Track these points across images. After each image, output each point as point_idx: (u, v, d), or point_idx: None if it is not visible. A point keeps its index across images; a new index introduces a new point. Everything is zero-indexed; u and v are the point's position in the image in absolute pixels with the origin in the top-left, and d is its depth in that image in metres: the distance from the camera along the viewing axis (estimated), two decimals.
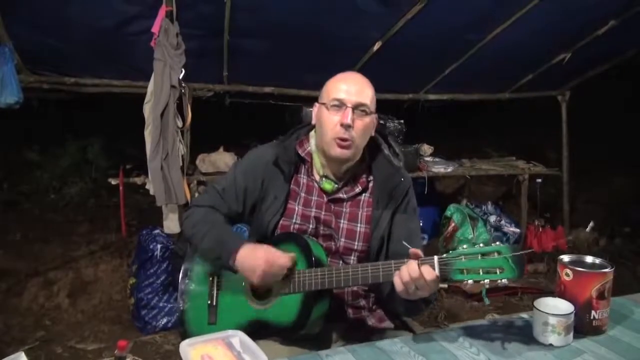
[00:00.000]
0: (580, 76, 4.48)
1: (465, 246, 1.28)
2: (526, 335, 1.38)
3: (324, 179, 1.61)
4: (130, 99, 3.36)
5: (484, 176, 4.96)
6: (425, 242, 4.08)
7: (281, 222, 1.60)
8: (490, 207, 4.41)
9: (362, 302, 1.65)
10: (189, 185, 3.27)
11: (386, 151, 1.65)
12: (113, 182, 3.39)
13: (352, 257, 1.61)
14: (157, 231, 3.32)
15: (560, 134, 4.73)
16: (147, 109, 2.92)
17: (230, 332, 1.26)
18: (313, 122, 1.63)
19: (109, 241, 4.30)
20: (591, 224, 4.61)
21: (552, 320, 1.31)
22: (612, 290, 1.40)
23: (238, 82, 3.82)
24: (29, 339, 3.07)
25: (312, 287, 1.43)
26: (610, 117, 4.97)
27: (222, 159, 3.66)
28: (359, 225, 1.60)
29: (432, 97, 4.43)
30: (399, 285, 1.31)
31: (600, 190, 5.18)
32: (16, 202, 4.89)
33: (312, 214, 1.60)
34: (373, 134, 1.62)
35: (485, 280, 1.23)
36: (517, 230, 4.29)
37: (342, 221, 1.61)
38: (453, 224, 4.07)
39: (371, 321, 1.65)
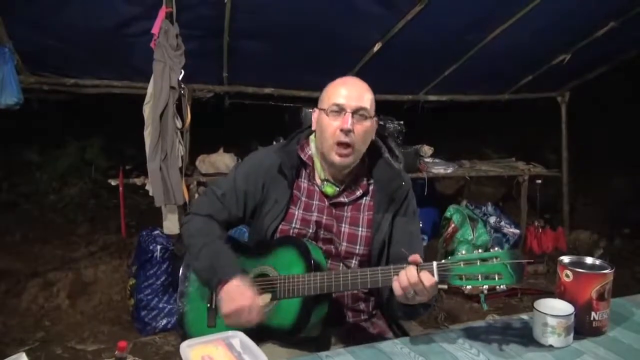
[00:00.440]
0: (580, 77, 4.48)
1: (464, 251, 1.29)
2: (526, 336, 1.38)
3: (325, 182, 1.60)
4: (130, 99, 3.36)
5: (484, 177, 4.95)
6: (425, 243, 4.08)
7: (280, 226, 1.60)
8: (490, 208, 4.41)
9: (362, 306, 1.65)
10: (188, 186, 3.27)
11: (386, 154, 1.65)
12: (113, 182, 3.39)
13: (354, 261, 1.61)
14: (156, 232, 3.32)
15: (559, 135, 4.73)
16: (146, 110, 2.92)
17: (230, 332, 1.26)
18: (313, 127, 1.63)
19: (108, 242, 4.30)
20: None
21: (552, 321, 1.31)
22: (612, 291, 1.40)
23: (238, 83, 3.82)
24: (29, 340, 3.07)
25: (311, 292, 1.42)
26: (609, 118, 4.98)
27: (221, 160, 3.65)
28: (360, 229, 1.61)
29: (432, 98, 4.43)
30: (397, 290, 1.31)
31: (600, 191, 5.18)
32: (16, 202, 4.89)
33: (313, 219, 1.60)
34: (373, 137, 1.62)
35: (484, 286, 1.24)
36: (517, 231, 4.28)
37: (343, 225, 1.61)
38: (453, 225, 4.06)
39: (372, 331, 1.64)
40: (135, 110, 3.00)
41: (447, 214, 4.17)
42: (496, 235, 4.24)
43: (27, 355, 1.14)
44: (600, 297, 1.37)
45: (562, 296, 1.41)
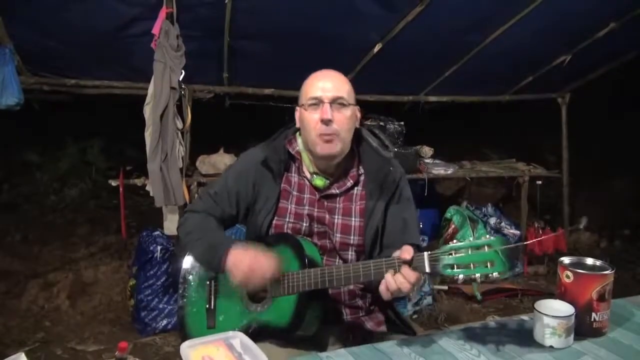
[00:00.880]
0: (580, 78, 4.48)
1: (455, 241, 1.28)
2: (526, 337, 1.38)
3: (314, 175, 1.61)
4: (131, 100, 3.37)
5: (484, 178, 4.96)
6: (425, 244, 4.08)
7: (274, 221, 1.61)
8: (490, 209, 4.41)
9: (360, 302, 1.65)
10: (188, 186, 3.27)
11: (374, 143, 1.66)
12: (113, 183, 3.39)
13: (350, 253, 1.61)
14: (157, 232, 3.32)
15: (560, 136, 4.73)
16: (147, 111, 2.93)
17: (230, 333, 1.27)
18: (297, 125, 1.64)
19: (108, 242, 4.30)
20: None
21: (552, 322, 1.31)
22: (613, 292, 1.39)
23: (238, 83, 3.82)
24: (29, 341, 3.07)
25: (305, 288, 1.43)
26: (610, 120, 4.98)
27: (222, 161, 3.65)
28: (353, 219, 1.61)
29: (432, 98, 4.43)
30: (385, 295, 1.33)
31: (600, 193, 5.18)
32: (16, 203, 4.89)
33: (305, 212, 1.61)
34: (358, 125, 1.63)
35: (477, 275, 1.22)
36: (518, 232, 4.28)
37: (336, 217, 1.61)
38: (453, 226, 4.07)
39: (369, 324, 1.65)
40: (136, 111, 3.00)
41: (447, 215, 4.17)
42: (496, 236, 4.24)
43: (28, 355, 1.14)
44: (601, 298, 1.37)
45: (562, 297, 1.40)
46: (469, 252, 1.23)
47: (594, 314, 1.37)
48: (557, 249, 4.30)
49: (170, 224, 3.11)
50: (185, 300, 1.65)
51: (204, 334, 1.54)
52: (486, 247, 1.23)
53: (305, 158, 1.64)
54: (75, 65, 3.37)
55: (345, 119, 1.54)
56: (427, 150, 4.36)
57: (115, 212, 4.35)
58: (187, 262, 1.69)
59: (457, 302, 3.69)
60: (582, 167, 4.85)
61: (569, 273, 1.40)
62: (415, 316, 3.45)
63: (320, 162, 1.60)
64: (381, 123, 3.93)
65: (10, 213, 4.69)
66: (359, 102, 1.64)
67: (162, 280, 3.23)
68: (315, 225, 1.61)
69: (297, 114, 1.63)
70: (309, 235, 1.60)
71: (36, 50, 3.15)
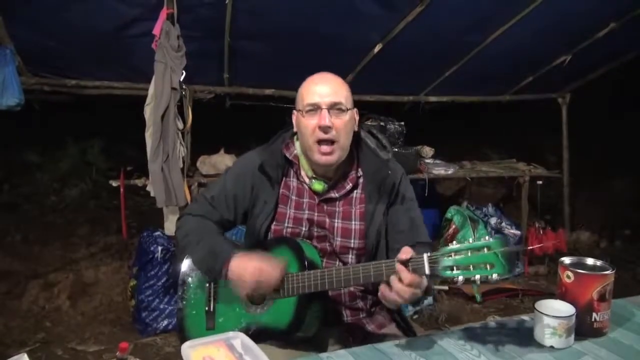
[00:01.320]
0: (580, 78, 4.48)
1: (455, 242, 1.27)
2: (527, 337, 1.38)
3: (313, 180, 1.60)
4: (131, 100, 3.37)
5: (485, 178, 4.95)
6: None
7: (273, 226, 1.60)
8: (490, 209, 4.41)
9: (360, 304, 1.65)
10: (189, 187, 3.27)
11: (372, 145, 1.64)
12: (114, 184, 3.39)
13: (350, 256, 1.60)
14: (157, 233, 3.32)
15: (560, 136, 4.73)
16: (147, 111, 2.93)
17: (231, 333, 1.27)
18: (294, 129, 1.63)
19: (109, 243, 4.30)
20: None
21: (553, 322, 1.31)
22: (613, 292, 1.39)
23: (238, 84, 3.82)
24: (30, 341, 3.06)
25: (305, 290, 1.42)
26: (610, 120, 4.98)
27: (222, 161, 3.65)
28: (353, 222, 1.60)
29: (432, 99, 4.43)
30: (387, 302, 1.32)
31: (601, 193, 5.18)
32: (16, 203, 4.89)
33: (305, 217, 1.60)
34: (356, 128, 1.61)
35: (476, 276, 1.22)
36: (518, 232, 4.28)
37: (336, 221, 1.60)
38: (454, 226, 4.07)
39: (370, 327, 1.64)
40: (136, 111, 3.00)
41: (448, 215, 4.17)
42: (497, 236, 4.24)
43: (28, 356, 1.14)
44: (601, 298, 1.37)
45: (563, 297, 1.40)
46: (469, 253, 1.23)
47: (594, 314, 1.37)
48: (557, 249, 4.30)
49: (171, 225, 3.11)
50: (184, 302, 1.65)
51: (203, 336, 1.55)
52: (486, 249, 1.22)
53: (304, 162, 1.62)
54: (75, 65, 3.37)
55: (344, 125, 1.52)
56: (427, 151, 4.36)
57: (115, 213, 4.35)
58: (186, 264, 1.68)
59: (457, 302, 3.69)
60: (583, 167, 4.85)
61: (570, 273, 1.40)
62: (415, 316, 3.45)
63: (319, 167, 1.59)
64: (381, 123, 3.93)
65: (10, 213, 4.69)
66: (359, 103, 1.63)
67: (162, 281, 3.23)
68: (315, 229, 1.60)
69: (294, 118, 1.62)
70: (308, 239, 1.59)
71: (37, 51, 3.15)
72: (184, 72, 2.88)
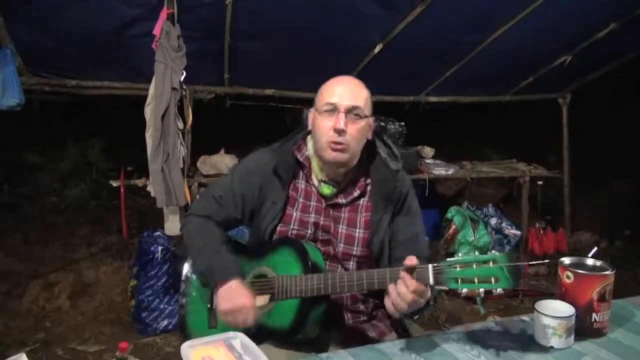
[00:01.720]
0: (581, 79, 4.48)
1: (461, 254, 1.28)
2: (527, 337, 1.38)
3: (322, 183, 1.60)
4: (132, 101, 3.37)
5: (485, 178, 4.95)
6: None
7: (279, 228, 1.60)
8: (491, 209, 4.40)
9: (361, 307, 1.65)
10: (189, 187, 3.27)
11: (383, 154, 1.64)
12: (114, 184, 3.39)
13: (351, 263, 1.60)
14: (157, 233, 3.32)
15: (561, 137, 4.73)
16: (148, 111, 2.93)
17: (231, 333, 1.27)
18: (309, 127, 1.62)
19: (109, 243, 4.30)
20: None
21: (553, 322, 1.31)
22: (613, 292, 1.40)
23: (239, 84, 3.82)
24: (30, 341, 3.07)
25: (308, 294, 1.42)
26: (611, 120, 4.97)
27: (223, 161, 3.66)
28: (357, 230, 1.60)
29: (432, 99, 4.43)
30: (390, 308, 1.32)
31: (601, 193, 5.18)
32: (17, 203, 4.89)
33: (311, 220, 1.60)
34: (370, 137, 1.60)
35: (481, 289, 1.23)
36: (518, 232, 4.28)
37: (340, 226, 1.60)
38: (454, 227, 4.06)
39: (372, 334, 1.64)
40: (137, 112, 3.00)
41: (448, 215, 4.17)
42: (497, 237, 4.24)
43: (28, 356, 1.14)
44: (601, 298, 1.37)
45: (563, 297, 1.41)
46: (474, 266, 1.23)
47: (594, 315, 1.37)
48: (558, 249, 4.30)
49: (171, 225, 3.11)
50: (186, 299, 1.65)
51: (204, 334, 1.54)
52: (491, 262, 1.23)
53: (315, 165, 1.62)
54: (76, 65, 3.37)
55: (358, 131, 1.52)
56: (427, 151, 4.36)
57: (116, 213, 4.35)
58: (190, 261, 1.69)
59: (457, 302, 3.69)
60: (583, 167, 4.85)
61: (570, 273, 1.40)
62: (416, 317, 3.44)
63: (329, 168, 1.58)
64: (382, 123, 3.93)
65: (11, 213, 4.69)
66: None
67: (162, 281, 3.23)
68: (320, 233, 1.60)
69: (310, 116, 1.61)
70: (312, 242, 1.59)
71: (37, 51, 3.15)
72: (184, 72, 2.88)
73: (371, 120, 1.59)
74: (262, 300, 1.50)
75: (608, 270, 1.40)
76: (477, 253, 1.29)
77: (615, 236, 4.83)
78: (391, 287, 1.31)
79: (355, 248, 1.59)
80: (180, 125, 3.04)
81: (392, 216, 1.60)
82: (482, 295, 1.24)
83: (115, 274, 3.80)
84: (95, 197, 5.11)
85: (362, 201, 1.62)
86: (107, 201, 5.00)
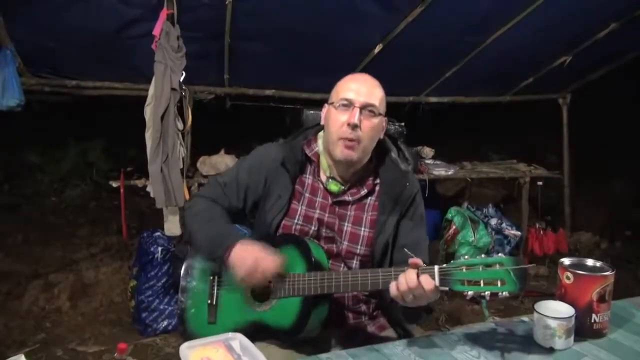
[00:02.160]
0: (581, 79, 4.48)
1: (467, 256, 1.27)
2: (527, 338, 1.38)
3: (330, 180, 1.59)
4: (131, 101, 3.37)
5: (485, 179, 4.95)
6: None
7: (283, 222, 1.59)
8: (491, 209, 4.41)
9: (363, 308, 1.65)
10: (189, 187, 3.27)
11: (394, 155, 1.64)
12: (114, 184, 3.39)
13: (355, 261, 1.60)
14: (157, 233, 3.32)
15: (561, 137, 4.73)
16: (148, 112, 2.93)
17: (230, 334, 1.26)
18: (322, 122, 1.62)
19: (109, 243, 4.30)
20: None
21: (553, 323, 1.31)
22: (613, 293, 1.39)
23: (239, 84, 3.82)
24: (30, 342, 3.07)
25: (311, 292, 1.42)
26: (611, 120, 4.97)
27: (222, 161, 3.65)
28: (362, 229, 1.59)
29: (432, 99, 4.43)
30: (394, 292, 1.30)
31: (602, 193, 5.18)
32: (17, 204, 4.89)
33: (316, 216, 1.59)
34: (382, 136, 1.61)
35: (486, 292, 1.23)
36: (518, 233, 4.28)
37: (345, 224, 1.60)
38: (454, 227, 4.06)
39: (371, 329, 1.64)
40: (137, 112, 3.00)
41: (448, 215, 4.17)
42: (497, 237, 4.24)
43: (28, 357, 1.14)
44: (601, 299, 1.37)
45: (562, 298, 1.40)
46: (480, 269, 1.23)
47: (594, 315, 1.37)
48: (558, 249, 4.30)
49: (171, 225, 3.11)
50: (187, 294, 1.65)
51: (204, 330, 1.55)
52: (498, 265, 1.23)
53: (324, 161, 1.62)
54: (75, 66, 3.37)
55: (372, 128, 1.52)
56: (427, 151, 4.36)
57: (116, 213, 4.35)
58: (191, 255, 1.68)
59: (457, 303, 3.69)
60: (583, 167, 4.85)
61: (569, 274, 1.40)
62: (414, 323, 3.44)
63: (338, 165, 1.58)
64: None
65: (11, 214, 4.70)
66: None
67: (162, 281, 3.23)
68: (324, 230, 1.60)
69: (324, 111, 1.61)
70: (316, 239, 1.59)
71: (37, 52, 3.15)
72: (183, 72, 2.88)
73: (384, 119, 1.59)
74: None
75: (608, 271, 1.40)
76: (483, 256, 1.28)
77: (616, 236, 4.82)
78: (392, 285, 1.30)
79: (359, 247, 1.59)
80: (180, 125, 3.04)
81: (398, 218, 1.59)
82: (488, 298, 1.24)
83: (115, 274, 3.80)
84: (95, 198, 5.12)
85: (370, 200, 1.62)
86: (107, 202, 5.01)
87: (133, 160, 3.69)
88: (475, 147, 5.53)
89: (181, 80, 2.88)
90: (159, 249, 3.23)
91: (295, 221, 1.59)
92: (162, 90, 2.82)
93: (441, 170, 4.23)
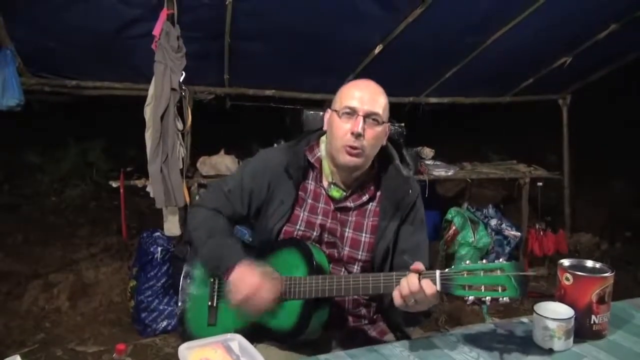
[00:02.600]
0: (581, 80, 4.48)
1: (468, 261, 1.28)
2: (526, 339, 1.38)
3: (332, 185, 1.59)
4: (131, 101, 3.37)
5: (485, 179, 4.95)
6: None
7: (285, 227, 1.59)
8: (491, 210, 4.40)
9: (363, 311, 1.65)
10: (189, 187, 3.27)
11: (396, 161, 1.63)
12: (114, 184, 3.39)
13: (356, 267, 1.60)
14: (157, 234, 3.32)
15: (561, 138, 4.72)
16: (147, 112, 2.93)
17: (229, 335, 1.26)
18: (324, 128, 1.62)
19: (109, 244, 4.30)
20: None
21: (552, 324, 1.31)
22: (613, 294, 1.39)
23: (239, 85, 3.82)
24: (29, 342, 3.06)
25: (312, 295, 1.42)
26: (611, 121, 4.97)
27: (222, 162, 3.65)
28: (364, 235, 1.60)
29: (432, 100, 4.43)
30: (397, 299, 1.31)
31: (602, 194, 5.18)
32: (17, 204, 4.89)
33: (318, 222, 1.59)
34: (384, 143, 1.60)
35: (487, 297, 1.23)
36: (518, 233, 4.28)
37: (347, 230, 1.60)
38: (454, 228, 4.06)
39: (372, 334, 1.64)
40: (136, 112, 3.00)
41: (448, 216, 4.17)
42: (497, 238, 4.24)
43: (28, 357, 1.14)
44: (601, 300, 1.36)
45: (562, 299, 1.40)
46: (481, 274, 1.24)
47: (593, 317, 1.37)
48: (558, 250, 4.30)
49: (171, 225, 3.11)
50: (187, 295, 1.65)
51: (203, 331, 1.55)
52: (499, 271, 1.23)
53: (326, 167, 1.61)
54: (75, 66, 3.37)
55: (375, 136, 1.51)
56: (427, 152, 4.35)
57: (115, 213, 4.35)
58: (192, 257, 1.68)
59: (457, 304, 3.68)
60: (583, 168, 4.84)
61: (569, 275, 1.40)
62: (412, 328, 3.44)
63: (341, 171, 1.57)
64: None
65: (11, 214, 4.70)
66: None
67: (162, 282, 3.23)
68: (326, 236, 1.60)
69: (326, 116, 1.60)
70: (317, 244, 1.59)
71: (37, 52, 3.15)
72: (183, 72, 2.88)
73: (387, 126, 1.58)
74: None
75: (607, 272, 1.40)
76: (484, 261, 1.28)
77: (616, 237, 4.82)
78: (404, 281, 1.30)
79: (360, 252, 1.59)
80: (180, 125, 3.04)
81: (399, 223, 1.59)
82: (489, 303, 1.24)
83: (115, 274, 3.80)
84: (95, 198, 5.12)
85: (371, 206, 1.62)
86: (107, 202, 5.01)
87: (133, 160, 3.69)
88: (475, 148, 5.52)
89: (181, 80, 2.88)
90: (159, 249, 3.24)
91: (298, 227, 1.59)
92: (162, 90, 2.82)
93: (441, 171, 4.22)
